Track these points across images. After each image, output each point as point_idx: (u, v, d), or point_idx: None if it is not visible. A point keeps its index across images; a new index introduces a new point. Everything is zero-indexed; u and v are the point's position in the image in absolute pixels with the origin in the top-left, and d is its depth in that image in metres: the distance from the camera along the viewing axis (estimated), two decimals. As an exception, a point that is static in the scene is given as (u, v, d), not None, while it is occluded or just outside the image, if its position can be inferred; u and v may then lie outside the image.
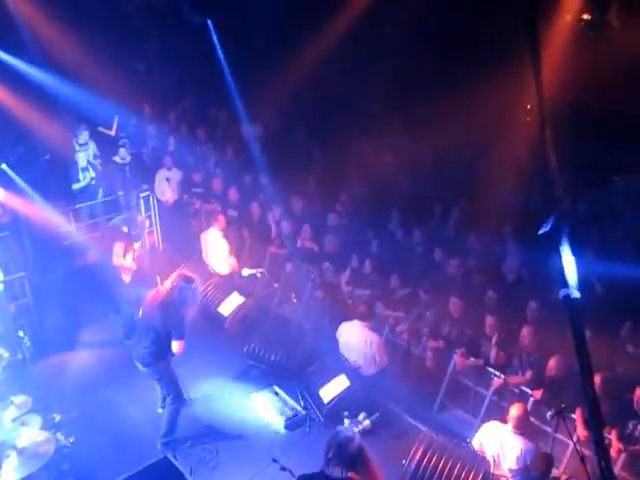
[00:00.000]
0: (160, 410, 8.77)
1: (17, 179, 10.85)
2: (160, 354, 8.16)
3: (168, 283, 8.17)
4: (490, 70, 10.83)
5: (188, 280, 8.23)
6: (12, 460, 6.53)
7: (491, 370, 8.83)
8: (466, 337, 9.37)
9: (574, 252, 3.60)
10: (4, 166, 10.84)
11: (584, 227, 10.69)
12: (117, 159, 13.57)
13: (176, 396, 8.34)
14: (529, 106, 11.62)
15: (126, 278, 10.35)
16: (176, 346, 8.05)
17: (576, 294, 3.53)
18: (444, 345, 9.40)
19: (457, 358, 9.20)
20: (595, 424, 3.49)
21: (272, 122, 15.07)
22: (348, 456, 5.30)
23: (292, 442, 8.75)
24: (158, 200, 13.28)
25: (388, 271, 10.67)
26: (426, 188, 12.50)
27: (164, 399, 8.61)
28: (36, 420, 7.45)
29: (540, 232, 3.69)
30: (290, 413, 9.06)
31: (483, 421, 8.30)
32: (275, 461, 6.41)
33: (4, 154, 10.96)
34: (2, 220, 11.24)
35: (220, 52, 14.09)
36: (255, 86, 13.86)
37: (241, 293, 10.84)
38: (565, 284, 3.55)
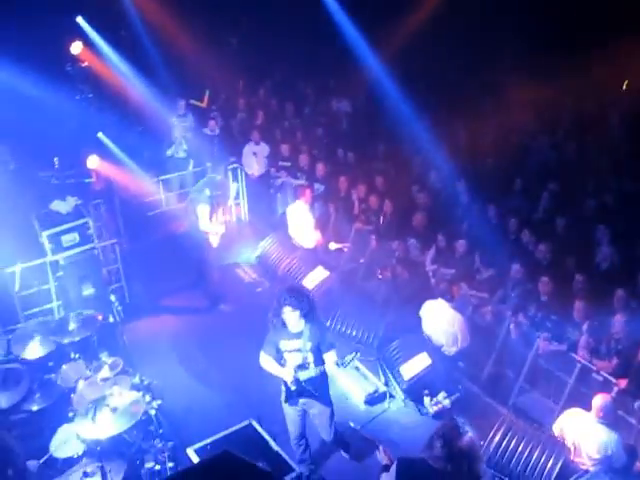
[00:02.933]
0: None
1: (113, 147, 11.14)
2: None
3: None
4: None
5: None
6: (105, 417, 6.78)
7: (574, 356, 8.67)
8: (551, 321, 9.22)
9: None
10: (100, 134, 11.16)
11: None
12: (207, 131, 13.82)
13: None
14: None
15: (214, 241, 10.51)
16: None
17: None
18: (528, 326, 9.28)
19: (540, 342, 9.06)
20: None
21: (361, 98, 15.04)
22: (457, 452, 5.11)
23: (371, 417, 8.84)
24: (245, 173, 13.46)
25: (474, 251, 10.57)
26: (516, 168, 12.28)
27: None
28: (127, 381, 7.71)
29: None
30: (370, 388, 9.11)
31: (564, 407, 8.17)
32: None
33: (101, 123, 11.27)
34: (96, 187, 11.58)
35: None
36: (345, 62, 13.84)
37: (326, 267, 10.92)
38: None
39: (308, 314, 6.95)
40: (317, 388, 7.06)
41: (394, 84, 13.36)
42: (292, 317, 6.86)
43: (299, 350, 7.00)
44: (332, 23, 13.93)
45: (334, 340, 7.23)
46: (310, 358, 7.04)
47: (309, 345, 6.99)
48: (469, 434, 5.17)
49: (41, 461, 7.26)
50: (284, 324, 6.95)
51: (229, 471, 2.65)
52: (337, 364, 7.12)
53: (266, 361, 7.14)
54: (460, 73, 13.48)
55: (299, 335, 6.97)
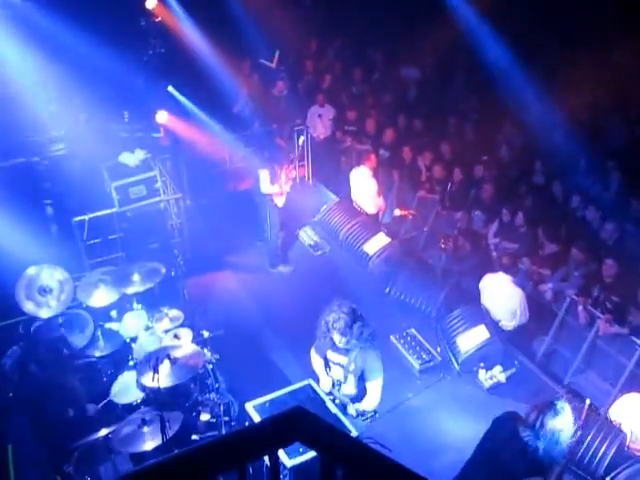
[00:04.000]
0: None
1: (182, 100, 11.22)
2: None
3: None
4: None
5: None
6: (165, 368, 6.93)
7: (636, 340, 8.52)
8: (613, 303, 9.05)
9: None
10: (170, 88, 11.24)
11: None
12: (275, 92, 13.81)
13: None
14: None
15: (279, 202, 10.56)
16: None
17: None
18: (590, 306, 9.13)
19: (601, 323, 8.90)
20: None
21: (430, 66, 14.82)
22: (545, 429, 5.14)
23: (425, 385, 8.86)
24: (310, 135, 13.44)
25: (538, 227, 10.40)
26: (585, 146, 11.97)
27: None
28: (187, 334, 7.87)
29: None
30: (426, 357, 9.12)
31: (622, 392, 8.06)
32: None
33: (171, 78, 11.35)
34: (163, 142, 11.70)
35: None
36: (415, 29, 13.60)
37: (387, 234, 10.90)
38: None
39: (360, 338, 6.52)
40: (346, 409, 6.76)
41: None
42: (339, 339, 6.54)
43: (342, 366, 6.74)
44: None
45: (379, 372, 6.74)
46: (351, 380, 6.77)
47: (352, 367, 6.67)
48: (566, 418, 5.19)
49: (100, 405, 7.50)
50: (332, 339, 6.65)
51: (303, 426, 2.67)
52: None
53: (314, 360, 7.01)
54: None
55: (346, 352, 6.65)
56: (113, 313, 8.49)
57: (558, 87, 11.62)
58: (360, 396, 6.77)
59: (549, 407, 5.21)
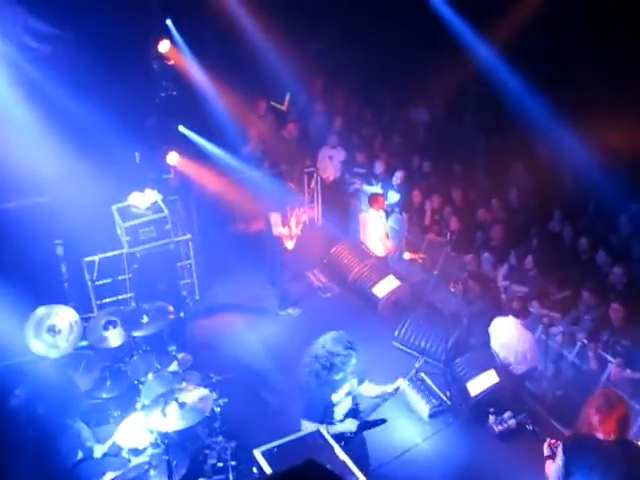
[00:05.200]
0: None
1: (194, 139, 11.31)
2: None
3: None
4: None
5: None
6: (173, 411, 6.87)
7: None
8: (623, 347, 8.98)
9: None
10: (182, 128, 11.34)
11: None
12: (285, 134, 13.91)
13: None
14: None
15: (289, 244, 10.60)
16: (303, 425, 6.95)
17: None
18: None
19: (613, 368, 8.83)
20: None
21: (439, 109, 14.92)
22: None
23: (435, 430, 8.77)
24: (320, 177, 13.51)
25: (548, 270, 10.38)
26: (594, 189, 11.96)
27: None
28: (195, 377, 7.83)
29: None
30: (435, 402, 9.03)
31: (635, 438, 7.94)
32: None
33: (183, 120, 11.45)
34: (173, 183, 11.76)
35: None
36: (425, 70, 13.71)
37: (396, 276, 10.89)
38: None
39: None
40: None
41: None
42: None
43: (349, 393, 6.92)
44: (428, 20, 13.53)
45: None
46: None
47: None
48: None
49: (106, 448, 7.43)
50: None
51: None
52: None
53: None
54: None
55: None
56: (121, 354, 8.45)
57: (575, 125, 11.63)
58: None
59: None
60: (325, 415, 6.75)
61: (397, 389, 7.15)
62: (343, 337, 6.95)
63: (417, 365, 7.84)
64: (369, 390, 7.11)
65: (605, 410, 5.24)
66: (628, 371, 8.72)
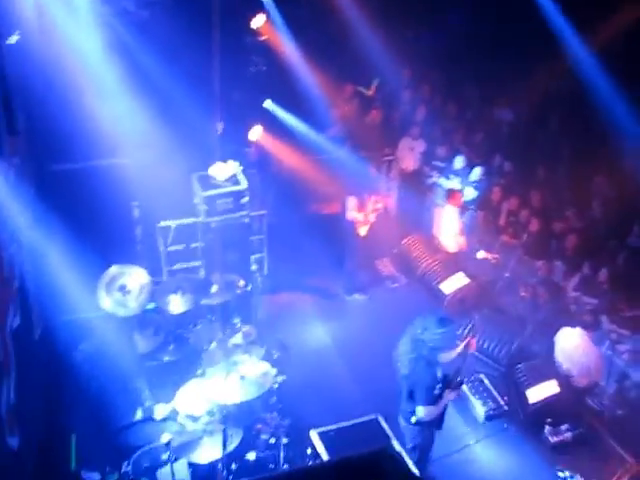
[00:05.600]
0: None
1: (279, 115, 11.33)
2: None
3: None
4: None
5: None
6: (233, 383, 6.96)
7: None
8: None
9: None
10: (268, 103, 11.38)
11: None
12: (368, 120, 13.84)
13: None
14: None
15: (362, 230, 10.59)
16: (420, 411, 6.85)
17: None
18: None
19: (682, 392, 8.61)
20: None
21: (524, 110, 14.63)
22: None
23: (489, 433, 8.69)
24: (399, 166, 13.42)
25: (622, 285, 10.12)
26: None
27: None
28: (258, 351, 7.90)
29: None
30: (492, 405, 8.94)
31: None
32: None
33: (270, 96, 11.49)
34: (253, 158, 11.82)
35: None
36: (515, 70, 13.45)
37: (466, 274, 10.78)
38: None
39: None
40: None
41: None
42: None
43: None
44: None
45: None
46: None
47: None
48: None
49: (166, 410, 7.57)
50: None
51: (389, 472, 2.62)
52: None
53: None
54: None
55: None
56: (186, 321, 8.59)
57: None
58: None
59: None
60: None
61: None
62: (439, 315, 6.97)
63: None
64: (446, 357, 6.97)
65: None
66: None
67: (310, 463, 6.87)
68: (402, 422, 6.99)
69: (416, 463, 6.97)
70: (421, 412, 6.67)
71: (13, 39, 7.41)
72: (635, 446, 8.47)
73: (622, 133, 12.01)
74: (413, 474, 2.71)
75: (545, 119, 14.22)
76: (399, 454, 2.56)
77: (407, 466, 2.56)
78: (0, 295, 6.32)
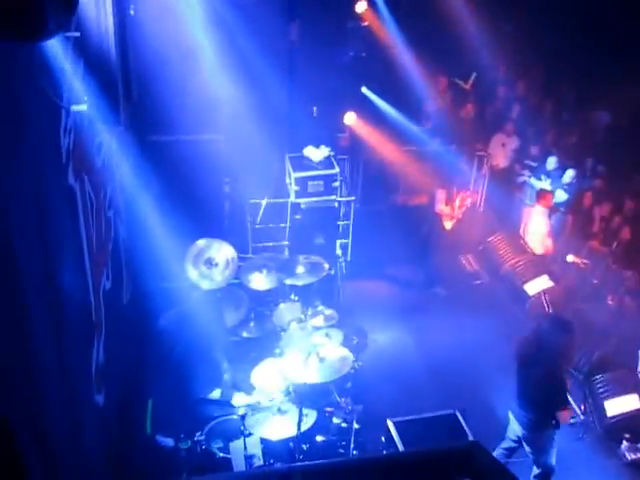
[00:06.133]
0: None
1: (377, 102, 11.31)
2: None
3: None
4: None
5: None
6: (313, 364, 7.03)
7: None
8: None
9: None
10: (365, 89, 11.37)
11: None
12: (462, 113, 13.69)
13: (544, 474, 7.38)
14: None
15: (447, 225, 10.53)
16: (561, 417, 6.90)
17: None
18: None
19: None
20: None
21: (624, 115, 14.23)
22: None
23: (562, 443, 8.51)
24: (490, 162, 13.25)
25: None
26: None
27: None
28: (338, 335, 7.94)
29: None
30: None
31: None
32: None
33: (367, 81, 11.47)
34: (344, 143, 11.84)
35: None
36: (617, 72, 13.09)
37: (551, 277, 10.59)
38: None
39: None
40: None
41: None
42: None
43: None
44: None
45: None
46: None
47: None
48: None
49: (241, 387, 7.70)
50: None
51: (477, 465, 2.61)
52: None
53: None
54: None
55: None
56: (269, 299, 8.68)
57: None
58: None
59: None
60: None
61: None
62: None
63: None
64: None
65: None
66: None
67: (386, 451, 6.89)
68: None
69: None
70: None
71: (131, 11, 7.61)
72: None
73: None
74: (505, 468, 2.67)
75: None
76: (489, 450, 2.54)
77: (498, 461, 2.54)
78: (97, 257, 6.52)
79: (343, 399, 7.75)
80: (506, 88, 14.90)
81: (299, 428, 6.77)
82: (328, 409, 7.62)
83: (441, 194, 10.37)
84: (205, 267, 8.51)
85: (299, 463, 6.77)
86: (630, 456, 8.35)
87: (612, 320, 9.94)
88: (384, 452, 6.60)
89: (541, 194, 11.30)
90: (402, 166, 11.85)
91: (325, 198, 10.03)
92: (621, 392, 8.67)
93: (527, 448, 7.28)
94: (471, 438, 5.96)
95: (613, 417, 8.55)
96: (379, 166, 11.96)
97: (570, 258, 10.89)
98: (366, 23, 11.58)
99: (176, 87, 9.29)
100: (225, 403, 7.64)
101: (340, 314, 8.57)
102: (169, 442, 7.37)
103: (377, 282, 10.92)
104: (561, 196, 12.04)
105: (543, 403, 6.81)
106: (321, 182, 9.92)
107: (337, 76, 11.65)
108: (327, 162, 10.16)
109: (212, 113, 9.96)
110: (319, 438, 7.45)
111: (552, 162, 12.70)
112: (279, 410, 7.02)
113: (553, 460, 7.21)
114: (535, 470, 7.33)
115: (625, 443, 8.43)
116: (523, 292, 10.55)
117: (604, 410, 8.62)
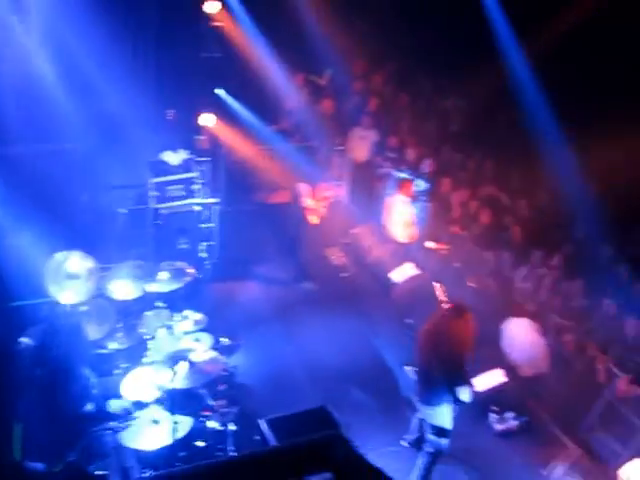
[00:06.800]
0: (404, 444, 8.28)
1: (231, 104, 11.28)
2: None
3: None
4: None
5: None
6: (183, 370, 6.94)
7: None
8: (635, 364, 8.93)
9: None
10: (219, 91, 11.31)
11: None
12: (321, 109, 13.84)
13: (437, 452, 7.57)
14: None
15: (312, 219, 10.61)
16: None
17: None
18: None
19: (621, 383, 8.78)
20: None
21: (476, 102, 14.77)
22: None
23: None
24: (350, 156, 13.47)
25: (568, 276, 10.30)
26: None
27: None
28: (207, 339, 7.87)
29: None
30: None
31: (632, 455, 7.93)
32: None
33: (222, 83, 11.42)
34: (204, 145, 11.74)
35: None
36: (465, 62, 13.57)
37: (416, 264, 10.87)
38: None
39: None
40: None
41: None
42: None
43: None
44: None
45: None
46: None
47: None
48: None
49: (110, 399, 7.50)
50: None
51: (337, 458, 2.63)
52: None
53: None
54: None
55: None
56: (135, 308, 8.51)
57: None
58: None
59: None
60: None
61: None
62: None
63: None
64: None
65: None
66: (636, 388, 8.67)
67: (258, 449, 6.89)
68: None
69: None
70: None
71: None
72: (576, 433, 8.74)
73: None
74: (364, 459, 2.71)
75: (494, 112, 14.37)
76: (350, 440, 2.59)
77: (357, 451, 2.57)
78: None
79: (218, 402, 7.70)
80: (362, 82, 15.19)
81: (174, 436, 6.66)
82: (205, 413, 7.55)
83: (304, 188, 10.44)
84: (66, 281, 8.24)
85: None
86: (498, 427, 8.74)
87: (475, 301, 10.28)
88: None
89: (401, 183, 11.56)
90: (263, 165, 11.88)
91: (186, 202, 9.91)
92: (485, 368, 8.95)
93: (428, 428, 7.49)
94: (342, 429, 6.04)
95: (481, 393, 8.83)
96: (241, 166, 11.96)
97: (430, 244, 11.23)
98: (219, 24, 11.50)
99: (19, 98, 8.97)
100: (97, 417, 7.43)
101: (209, 317, 8.51)
102: (39, 467, 7.09)
103: (247, 282, 10.88)
104: (421, 185, 12.36)
105: (445, 381, 7.18)
106: (181, 186, 9.81)
107: (192, 79, 11.58)
108: (186, 166, 10.06)
109: (61, 123, 9.67)
110: (198, 443, 7.37)
111: (410, 152, 13.05)
112: (153, 420, 6.89)
113: (448, 440, 7.45)
114: (428, 448, 7.52)
115: (493, 415, 8.78)
116: (389, 281, 10.76)
117: (472, 386, 8.88)
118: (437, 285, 8.34)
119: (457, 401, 7.28)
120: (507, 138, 13.59)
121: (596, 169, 11.19)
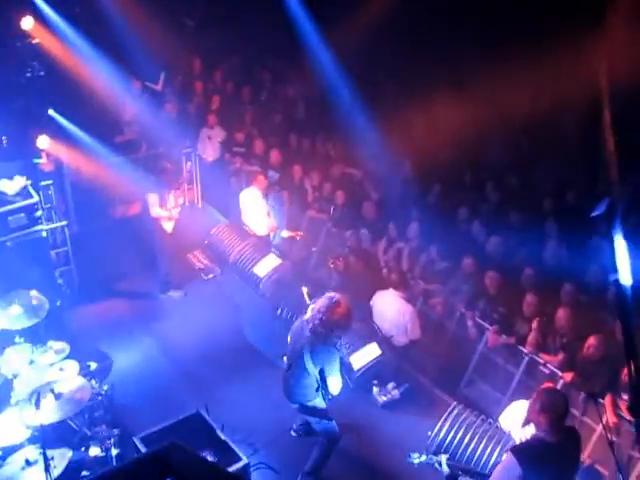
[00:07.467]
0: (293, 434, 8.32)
1: (65, 124, 10.91)
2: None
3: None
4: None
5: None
6: (49, 403, 6.67)
7: (522, 349, 8.76)
8: (500, 314, 9.29)
9: (626, 236, 3.54)
10: (52, 112, 10.90)
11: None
12: (163, 114, 13.61)
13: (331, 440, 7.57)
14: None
15: (168, 226, 10.43)
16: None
17: (626, 279, 3.47)
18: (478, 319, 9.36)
19: (489, 335, 9.14)
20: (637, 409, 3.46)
21: (315, 87, 14.90)
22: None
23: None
24: (199, 157, 13.34)
25: (426, 242, 10.58)
26: (469, 161, 12.26)
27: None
28: (73, 366, 7.59)
29: (593, 214, 3.63)
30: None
31: (511, 399, 8.27)
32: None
33: (53, 102, 11.00)
34: (46, 168, 11.31)
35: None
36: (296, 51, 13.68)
37: (278, 255, 10.90)
38: (615, 269, 3.50)
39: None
40: None
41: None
42: None
43: None
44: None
45: None
46: None
47: None
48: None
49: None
50: None
51: (177, 463, 2.60)
52: None
53: None
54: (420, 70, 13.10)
55: None
56: None
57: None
58: None
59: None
60: None
61: None
62: None
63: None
64: None
65: (554, 416, 5.25)
66: (504, 337, 9.03)
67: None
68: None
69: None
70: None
71: None
72: (452, 390, 9.11)
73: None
74: (203, 460, 2.69)
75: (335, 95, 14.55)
76: (186, 445, 2.57)
77: (196, 454, 2.56)
78: None
79: (97, 428, 7.46)
80: (203, 82, 15.05)
81: (48, 473, 6.38)
82: (89, 442, 7.31)
83: (152, 198, 10.23)
84: None
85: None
86: (382, 399, 8.92)
87: (341, 281, 10.40)
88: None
89: (253, 177, 11.55)
90: (110, 180, 11.57)
91: (31, 229, 9.50)
92: (361, 344, 9.11)
93: (312, 421, 7.49)
94: (218, 432, 5.98)
95: (360, 369, 8.98)
96: (88, 185, 11.58)
97: (284, 233, 11.30)
98: (37, 40, 11.02)
99: None
100: None
101: (74, 344, 8.20)
102: None
103: (111, 301, 10.56)
104: (273, 175, 12.40)
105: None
106: (22, 214, 9.38)
107: (21, 100, 11.08)
108: (25, 193, 9.63)
109: None
110: (84, 473, 7.12)
111: (258, 145, 13.05)
112: (27, 462, 6.58)
113: (335, 426, 7.46)
114: (322, 439, 7.52)
115: (375, 389, 8.94)
116: (254, 275, 10.74)
117: (350, 365, 9.02)
118: (304, 289, 8.36)
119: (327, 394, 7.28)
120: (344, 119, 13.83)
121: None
